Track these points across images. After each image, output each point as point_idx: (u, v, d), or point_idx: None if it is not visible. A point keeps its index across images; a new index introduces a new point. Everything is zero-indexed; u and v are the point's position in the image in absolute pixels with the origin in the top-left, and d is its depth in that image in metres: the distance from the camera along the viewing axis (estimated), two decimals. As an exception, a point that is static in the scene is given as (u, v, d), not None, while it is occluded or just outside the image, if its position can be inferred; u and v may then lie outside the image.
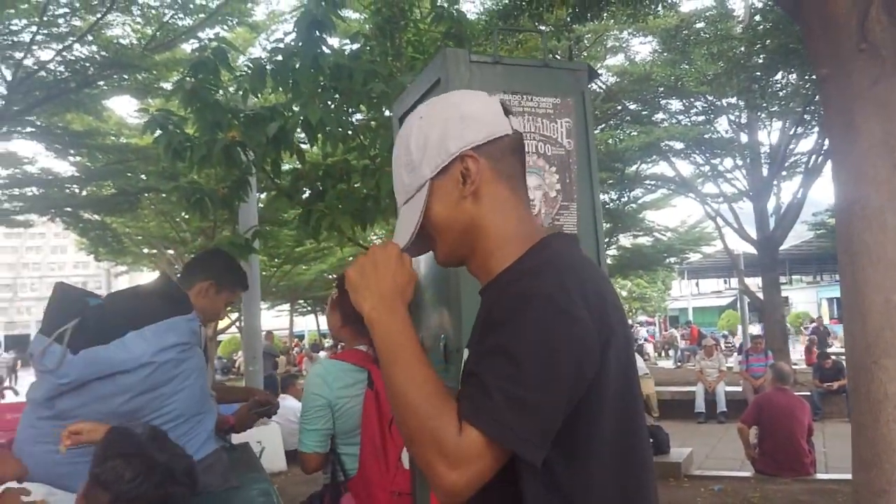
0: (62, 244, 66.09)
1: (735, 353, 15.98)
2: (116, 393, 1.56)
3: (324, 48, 3.52)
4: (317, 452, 2.08)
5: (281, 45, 3.58)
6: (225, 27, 9.43)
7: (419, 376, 0.89)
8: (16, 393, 12.86)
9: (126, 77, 9.36)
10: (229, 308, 3.74)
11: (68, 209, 11.69)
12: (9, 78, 8.46)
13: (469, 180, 0.96)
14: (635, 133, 12.34)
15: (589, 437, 0.89)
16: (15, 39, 8.36)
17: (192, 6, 8.70)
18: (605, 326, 0.88)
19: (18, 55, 8.42)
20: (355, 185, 3.87)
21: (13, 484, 1.53)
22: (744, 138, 12.90)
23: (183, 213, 11.61)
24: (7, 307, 64.18)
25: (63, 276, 64.31)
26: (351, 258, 20.87)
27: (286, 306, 28.51)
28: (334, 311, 2.23)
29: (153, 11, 8.87)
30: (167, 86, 9.71)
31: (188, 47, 9.10)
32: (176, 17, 8.96)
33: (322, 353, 18.92)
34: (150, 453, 1.39)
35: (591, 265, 0.99)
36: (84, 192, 11.69)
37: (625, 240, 19.56)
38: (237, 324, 13.78)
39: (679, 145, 12.80)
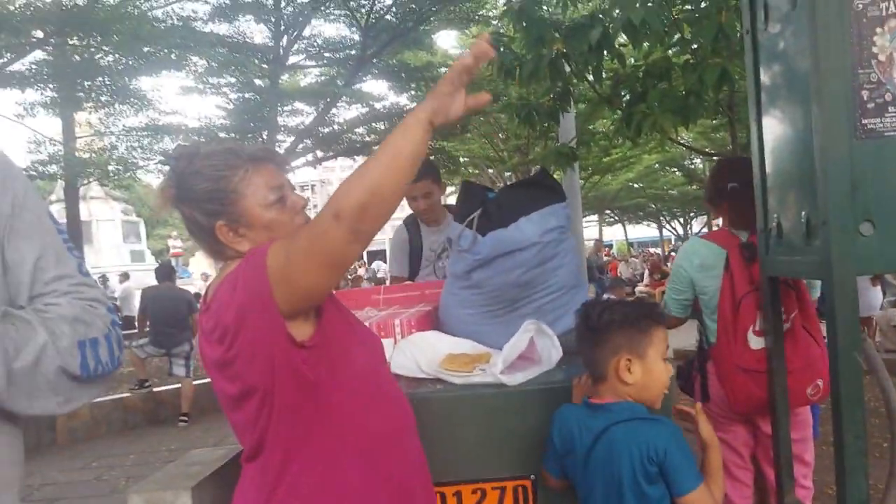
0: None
1: None
2: (515, 266, 1.90)
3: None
4: (676, 316, 2.38)
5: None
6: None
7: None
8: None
9: (452, 8, 10.51)
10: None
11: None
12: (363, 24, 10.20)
13: None
14: None
15: None
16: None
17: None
18: None
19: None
20: (676, 83, 3.82)
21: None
22: None
23: (503, 133, 12.40)
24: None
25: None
26: (657, 165, 19.99)
27: (594, 217, 29.02)
28: None
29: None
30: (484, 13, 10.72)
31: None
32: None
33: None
34: None
35: None
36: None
37: None
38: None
39: None
